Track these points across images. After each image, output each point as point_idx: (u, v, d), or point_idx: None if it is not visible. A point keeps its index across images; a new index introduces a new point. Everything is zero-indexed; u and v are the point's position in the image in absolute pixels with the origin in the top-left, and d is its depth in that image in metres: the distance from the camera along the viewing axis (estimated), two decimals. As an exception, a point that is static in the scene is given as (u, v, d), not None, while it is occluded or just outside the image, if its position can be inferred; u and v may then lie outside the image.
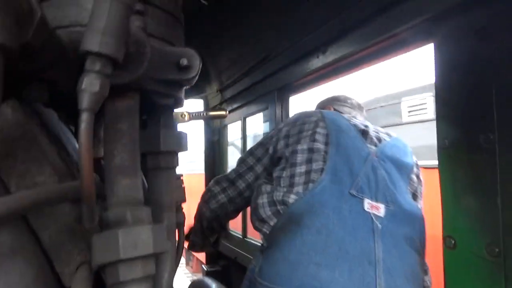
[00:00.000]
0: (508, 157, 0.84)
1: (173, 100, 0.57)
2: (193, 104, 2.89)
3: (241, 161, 1.25)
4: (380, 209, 0.97)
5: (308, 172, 1.03)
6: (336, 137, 1.09)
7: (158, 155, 0.60)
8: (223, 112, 0.89)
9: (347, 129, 1.14)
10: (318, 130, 1.11)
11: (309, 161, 1.05)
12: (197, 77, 0.54)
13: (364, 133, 1.14)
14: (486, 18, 0.89)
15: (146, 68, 0.48)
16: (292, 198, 0.98)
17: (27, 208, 0.40)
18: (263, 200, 1.04)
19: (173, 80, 0.52)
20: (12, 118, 0.46)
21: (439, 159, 1.02)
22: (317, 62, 1.55)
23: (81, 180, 0.38)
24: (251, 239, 2.17)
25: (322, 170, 1.01)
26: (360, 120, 1.29)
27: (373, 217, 0.95)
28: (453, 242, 0.96)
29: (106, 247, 0.44)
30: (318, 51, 1.52)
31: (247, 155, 1.25)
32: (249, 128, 2.38)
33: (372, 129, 1.18)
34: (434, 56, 1.04)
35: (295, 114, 1.28)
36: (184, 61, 0.51)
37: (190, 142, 0.73)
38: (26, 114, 0.48)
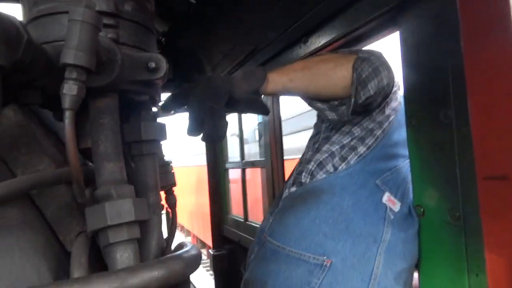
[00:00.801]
0: (463, 131, 0.93)
1: (148, 97, 0.68)
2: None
3: None
4: (396, 205, 1.04)
5: (352, 148, 1.08)
6: (393, 131, 1.12)
7: (141, 144, 0.71)
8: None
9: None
10: (391, 117, 1.13)
11: (362, 140, 1.09)
12: (166, 77, 0.65)
13: None
14: (441, 5, 0.97)
15: (120, 72, 0.59)
16: (320, 174, 1.06)
17: (29, 189, 0.52)
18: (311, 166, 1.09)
19: (144, 80, 0.63)
20: (15, 119, 0.58)
21: (407, 137, 1.11)
22: (300, 51, 1.64)
23: (70, 165, 0.49)
24: (252, 222, 2.30)
25: (361, 155, 1.07)
26: None
27: (388, 208, 1.02)
28: (422, 210, 1.06)
29: (96, 217, 0.55)
30: (300, 42, 1.62)
31: None
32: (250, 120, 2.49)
33: None
34: (400, 43, 1.13)
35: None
36: (152, 64, 0.62)
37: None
38: (25, 115, 0.59)
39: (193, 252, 0.57)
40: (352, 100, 0.95)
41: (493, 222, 0.71)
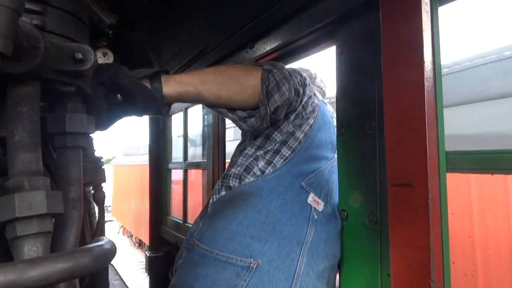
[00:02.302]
0: (384, 141, 1.01)
1: (74, 88, 0.67)
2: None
3: None
4: (320, 205, 1.11)
5: (276, 152, 1.13)
6: (315, 134, 1.19)
7: (64, 136, 0.69)
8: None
9: (328, 128, 1.25)
10: (310, 120, 1.20)
11: (284, 143, 1.15)
12: (93, 69, 0.64)
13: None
14: (372, 23, 1.05)
15: (42, 60, 0.57)
16: (248, 178, 1.10)
17: None
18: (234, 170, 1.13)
19: (70, 71, 0.62)
20: None
21: (337, 145, 1.18)
22: (246, 56, 1.68)
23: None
24: (191, 224, 2.28)
25: (286, 158, 1.13)
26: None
27: (312, 209, 1.09)
28: (346, 214, 1.12)
29: (4, 208, 0.53)
30: (247, 47, 1.65)
31: None
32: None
33: None
34: (335, 57, 1.19)
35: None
36: (79, 55, 0.61)
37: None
38: None
39: (105, 246, 0.56)
40: (262, 111, 0.99)
41: (398, 225, 0.77)
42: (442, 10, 0.79)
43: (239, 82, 0.99)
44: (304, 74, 1.18)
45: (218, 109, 1.04)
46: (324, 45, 1.33)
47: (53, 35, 0.63)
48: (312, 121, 1.19)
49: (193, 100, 1.00)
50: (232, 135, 6.88)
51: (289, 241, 1.01)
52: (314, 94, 1.26)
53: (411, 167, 0.73)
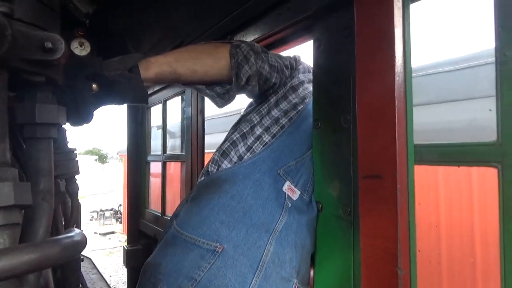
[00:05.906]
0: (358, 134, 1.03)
1: (44, 78, 0.66)
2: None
3: None
4: (295, 194, 1.11)
5: (257, 138, 1.14)
6: (302, 119, 1.19)
7: (34, 126, 0.68)
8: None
9: None
10: (299, 106, 1.21)
11: (267, 129, 1.16)
12: (64, 58, 0.63)
13: None
14: (348, 18, 1.06)
15: (9, 48, 0.56)
16: (225, 164, 1.11)
17: None
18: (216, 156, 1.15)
19: (39, 60, 0.61)
20: None
21: (313, 138, 1.19)
22: (225, 49, 1.66)
23: None
24: (169, 217, 2.28)
25: (266, 144, 1.13)
26: None
27: (287, 197, 1.09)
28: (320, 205, 1.14)
29: (-31, 200, 0.52)
30: (225, 39, 1.64)
31: None
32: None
33: None
34: (313, 51, 1.21)
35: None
36: (48, 44, 0.60)
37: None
38: None
39: (75, 238, 0.56)
40: (234, 81, 1.06)
41: (368, 215, 0.80)
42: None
43: (211, 54, 1.05)
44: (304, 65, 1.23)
45: (196, 86, 1.09)
46: (302, 39, 1.34)
47: (21, 23, 0.61)
48: (301, 107, 1.20)
49: (170, 79, 1.03)
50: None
51: (257, 229, 1.02)
52: (309, 81, 1.28)
53: (381, 160, 0.75)
